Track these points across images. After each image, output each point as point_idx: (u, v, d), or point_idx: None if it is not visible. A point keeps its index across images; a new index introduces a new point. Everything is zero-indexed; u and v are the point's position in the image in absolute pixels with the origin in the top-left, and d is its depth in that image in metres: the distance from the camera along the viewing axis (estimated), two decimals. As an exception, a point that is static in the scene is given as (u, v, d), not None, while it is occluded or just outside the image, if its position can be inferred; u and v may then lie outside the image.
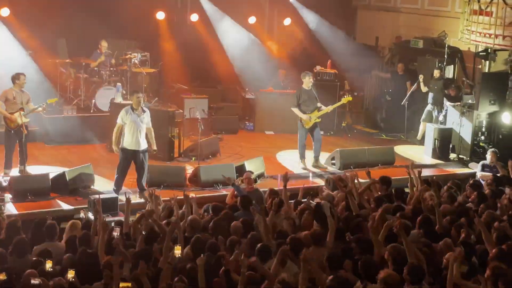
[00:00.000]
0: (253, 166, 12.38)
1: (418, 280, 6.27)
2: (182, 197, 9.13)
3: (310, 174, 12.83)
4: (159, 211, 8.73)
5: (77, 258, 7.20)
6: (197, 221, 8.11)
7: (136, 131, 11.01)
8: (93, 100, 14.95)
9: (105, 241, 7.38)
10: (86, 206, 10.45)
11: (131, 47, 16.96)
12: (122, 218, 9.20)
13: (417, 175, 10.05)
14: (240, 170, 12.13)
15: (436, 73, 15.45)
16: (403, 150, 15.03)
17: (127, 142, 11.06)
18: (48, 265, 6.71)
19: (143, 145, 11.15)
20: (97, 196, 9.94)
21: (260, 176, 12.42)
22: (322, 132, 13.92)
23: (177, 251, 6.87)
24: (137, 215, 8.54)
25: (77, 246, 7.57)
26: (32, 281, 6.19)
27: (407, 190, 10.22)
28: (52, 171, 11.91)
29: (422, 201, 8.79)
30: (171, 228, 7.39)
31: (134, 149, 11.08)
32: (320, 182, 12.07)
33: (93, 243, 7.71)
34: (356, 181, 9.94)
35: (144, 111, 11.16)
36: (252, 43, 17.93)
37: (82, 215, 10.00)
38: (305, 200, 9.83)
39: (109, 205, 10.24)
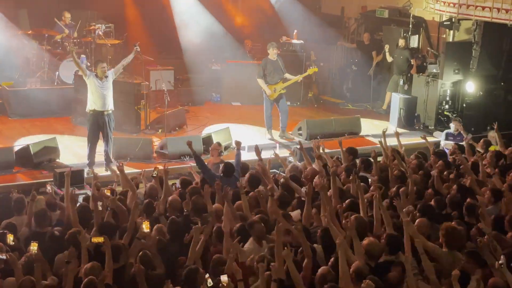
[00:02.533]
0: (220, 137, 12.37)
1: (396, 250, 6.42)
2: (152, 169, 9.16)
3: (277, 145, 12.87)
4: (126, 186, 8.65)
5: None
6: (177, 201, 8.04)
7: (101, 95, 10.98)
8: (57, 73, 14.73)
9: (76, 214, 7.35)
10: (52, 179, 10.37)
11: (94, 18, 16.69)
12: (89, 192, 9.19)
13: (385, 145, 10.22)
14: (207, 141, 12.13)
15: (401, 42, 15.53)
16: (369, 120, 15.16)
17: (94, 104, 10.99)
18: (10, 238, 6.67)
19: (109, 107, 11.09)
20: (66, 168, 9.84)
21: (227, 147, 12.42)
22: (289, 103, 13.95)
23: (145, 225, 6.86)
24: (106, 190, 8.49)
25: (34, 223, 7.49)
26: (1, 256, 6.16)
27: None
28: (16, 144, 11.76)
29: (390, 170, 8.96)
30: (135, 205, 7.37)
31: (101, 109, 11.01)
32: (287, 153, 12.10)
33: (51, 219, 7.65)
34: (322, 151, 10.04)
35: (106, 76, 11.07)
36: (218, 14, 17.76)
37: (48, 188, 9.88)
38: (274, 171, 9.93)
39: (75, 178, 10.16)
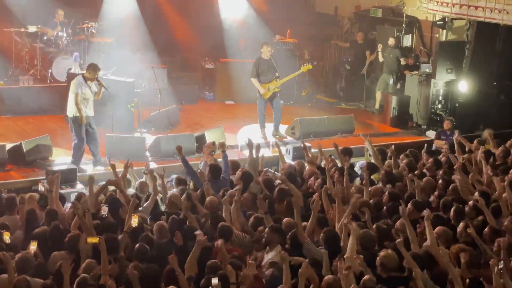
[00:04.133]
0: (214, 136, 12.36)
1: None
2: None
3: (270, 144, 12.87)
4: (120, 182, 8.64)
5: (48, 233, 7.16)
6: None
7: (90, 100, 11.06)
8: (50, 70, 14.71)
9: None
10: (44, 177, 10.33)
11: (87, 15, 16.64)
12: (81, 191, 9.18)
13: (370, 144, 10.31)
14: (200, 140, 12.12)
15: (391, 41, 15.55)
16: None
17: (85, 110, 11.00)
18: (6, 237, 6.67)
19: (93, 111, 11.21)
20: (55, 169, 9.84)
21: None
22: (282, 102, 13.94)
23: (135, 219, 6.92)
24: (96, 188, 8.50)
25: (45, 221, 7.52)
26: None
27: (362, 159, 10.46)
28: (9, 142, 11.73)
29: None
30: (133, 200, 7.40)
31: (90, 115, 11.12)
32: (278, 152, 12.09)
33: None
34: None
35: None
36: (211, 13, 17.75)
37: (40, 187, 9.90)
38: (266, 169, 9.93)
39: (67, 177, 10.15)
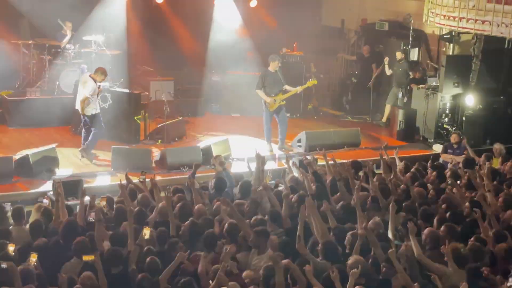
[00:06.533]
0: (220, 148, 12.36)
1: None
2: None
3: (276, 157, 12.85)
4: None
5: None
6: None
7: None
8: (57, 82, 14.74)
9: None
10: (51, 189, 10.36)
11: (95, 28, 16.68)
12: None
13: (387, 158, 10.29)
14: (207, 152, 12.12)
15: (398, 55, 15.54)
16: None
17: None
18: (11, 248, 6.67)
19: None
20: (58, 178, 9.85)
21: (226, 158, 12.40)
22: (288, 115, 13.94)
23: (146, 231, 6.93)
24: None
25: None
26: (2, 265, 6.16)
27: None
28: (16, 153, 11.76)
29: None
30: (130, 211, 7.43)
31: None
32: (286, 165, 12.08)
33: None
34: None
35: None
36: (218, 25, 17.80)
37: (45, 201, 9.90)
38: (272, 182, 9.92)
39: (73, 188, 10.15)
